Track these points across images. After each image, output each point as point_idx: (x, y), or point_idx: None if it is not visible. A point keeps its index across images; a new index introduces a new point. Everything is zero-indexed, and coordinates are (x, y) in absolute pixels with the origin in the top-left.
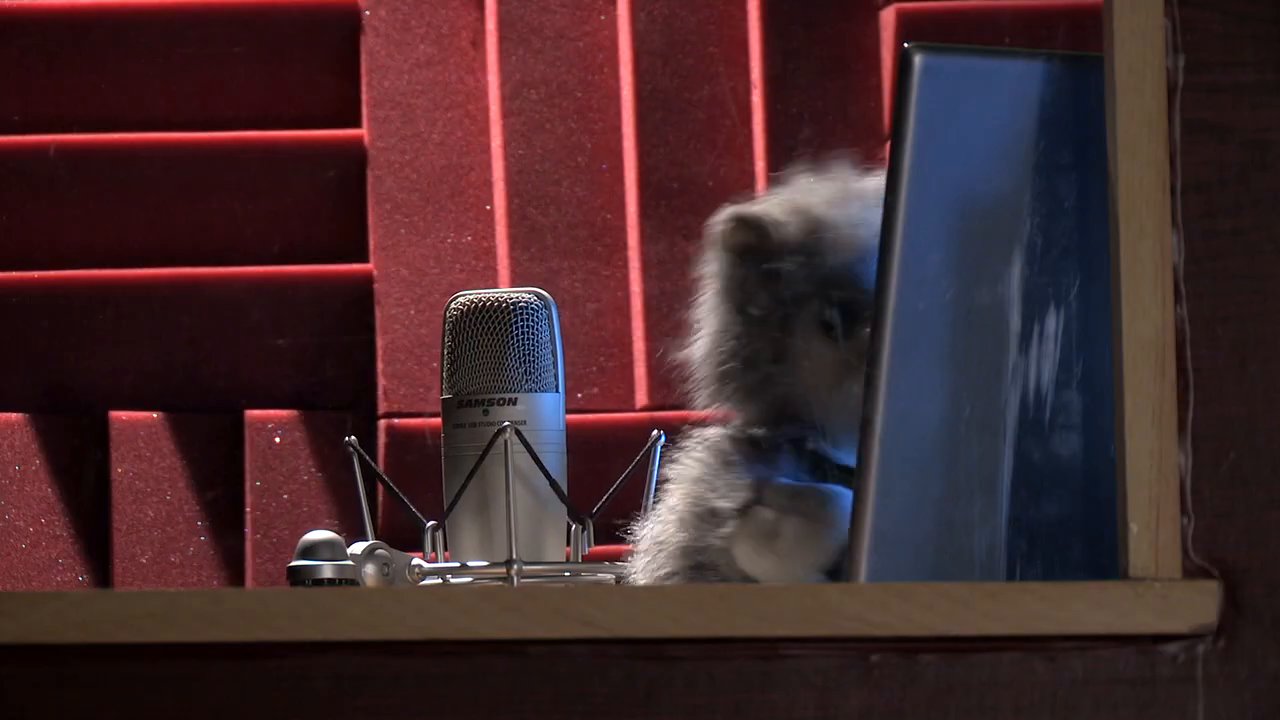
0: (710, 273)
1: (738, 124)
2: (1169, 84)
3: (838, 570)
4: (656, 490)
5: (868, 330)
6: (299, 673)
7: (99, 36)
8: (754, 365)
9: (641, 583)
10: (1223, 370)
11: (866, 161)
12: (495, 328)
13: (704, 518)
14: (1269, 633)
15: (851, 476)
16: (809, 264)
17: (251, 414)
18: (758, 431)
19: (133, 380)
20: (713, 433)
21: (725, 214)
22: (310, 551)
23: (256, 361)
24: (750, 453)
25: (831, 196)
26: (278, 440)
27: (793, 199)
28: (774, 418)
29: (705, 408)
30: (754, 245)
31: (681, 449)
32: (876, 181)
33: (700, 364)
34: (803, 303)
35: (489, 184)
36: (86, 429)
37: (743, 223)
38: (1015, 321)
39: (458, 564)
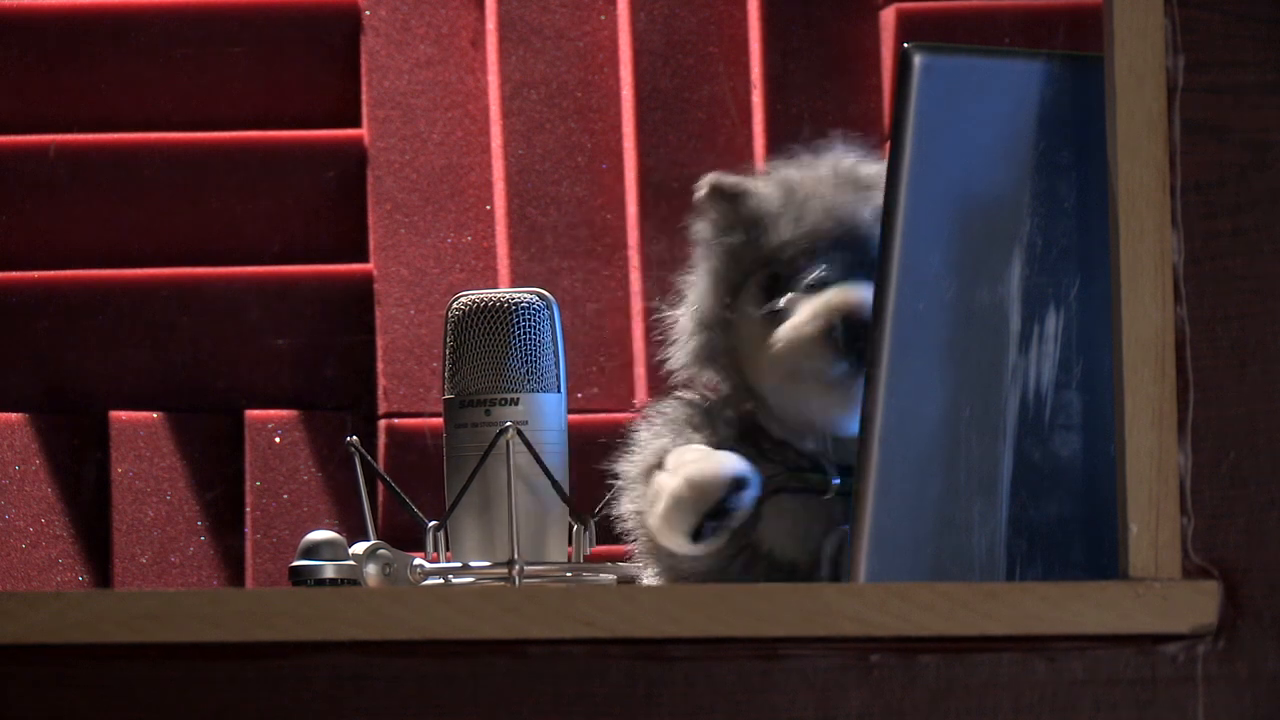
0: (696, 231)
1: (738, 124)
2: (1169, 84)
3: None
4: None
5: (789, 299)
6: (299, 673)
7: (99, 36)
8: (708, 328)
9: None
10: (1223, 370)
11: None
12: (497, 328)
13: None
14: (1269, 633)
15: (785, 450)
16: (762, 236)
17: (251, 414)
18: (706, 398)
19: (133, 380)
20: (671, 401)
21: (707, 178)
22: (312, 551)
23: (256, 361)
24: (695, 420)
25: (821, 175)
26: (278, 440)
27: (785, 173)
28: (722, 384)
29: (677, 366)
30: (722, 213)
31: (645, 416)
32: (875, 167)
33: (678, 322)
34: (750, 273)
35: (489, 184)
36: (86, 429)
37: (714, 190)
38: (1015, 321)
39: (460, 564)
